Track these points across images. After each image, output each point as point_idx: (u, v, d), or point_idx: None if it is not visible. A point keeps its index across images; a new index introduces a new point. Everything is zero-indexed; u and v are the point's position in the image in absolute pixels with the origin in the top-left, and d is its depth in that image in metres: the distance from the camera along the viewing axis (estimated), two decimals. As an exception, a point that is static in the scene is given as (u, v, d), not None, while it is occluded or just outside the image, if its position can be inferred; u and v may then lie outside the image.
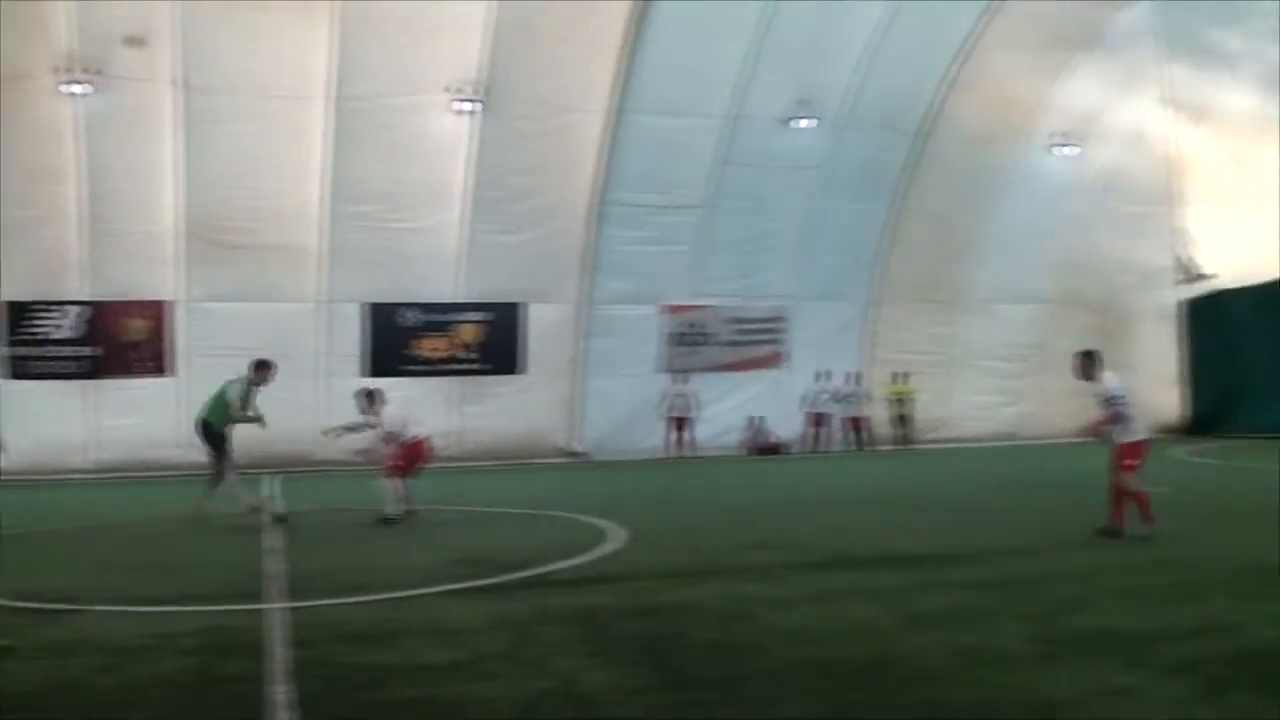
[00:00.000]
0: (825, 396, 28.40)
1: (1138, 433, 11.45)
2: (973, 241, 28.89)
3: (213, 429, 15.07)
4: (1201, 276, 31.07)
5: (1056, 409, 31.24)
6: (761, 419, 28.26)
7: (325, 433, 15.81)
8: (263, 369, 15.43)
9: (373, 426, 14.90)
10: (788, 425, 28.56)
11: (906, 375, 28.67)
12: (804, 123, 25.73)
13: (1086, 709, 5.60)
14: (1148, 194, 29.84)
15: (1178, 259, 31.22)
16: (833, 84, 25.57)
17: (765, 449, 27.87)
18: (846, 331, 28.73)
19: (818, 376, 28.19)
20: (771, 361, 28.45)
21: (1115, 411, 11.22)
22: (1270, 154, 27.26)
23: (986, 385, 30.65)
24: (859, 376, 28.63)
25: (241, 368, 15.62)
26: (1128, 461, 11.29)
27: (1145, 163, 29.24)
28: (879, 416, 29.26)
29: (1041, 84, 27.34)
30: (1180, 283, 31.54)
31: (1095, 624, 7.51)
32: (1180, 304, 31.69)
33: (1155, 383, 32.70)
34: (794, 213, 27.02)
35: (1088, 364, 11.68)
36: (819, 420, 28.52)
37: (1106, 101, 27.89)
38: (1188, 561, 10.03)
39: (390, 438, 14.63)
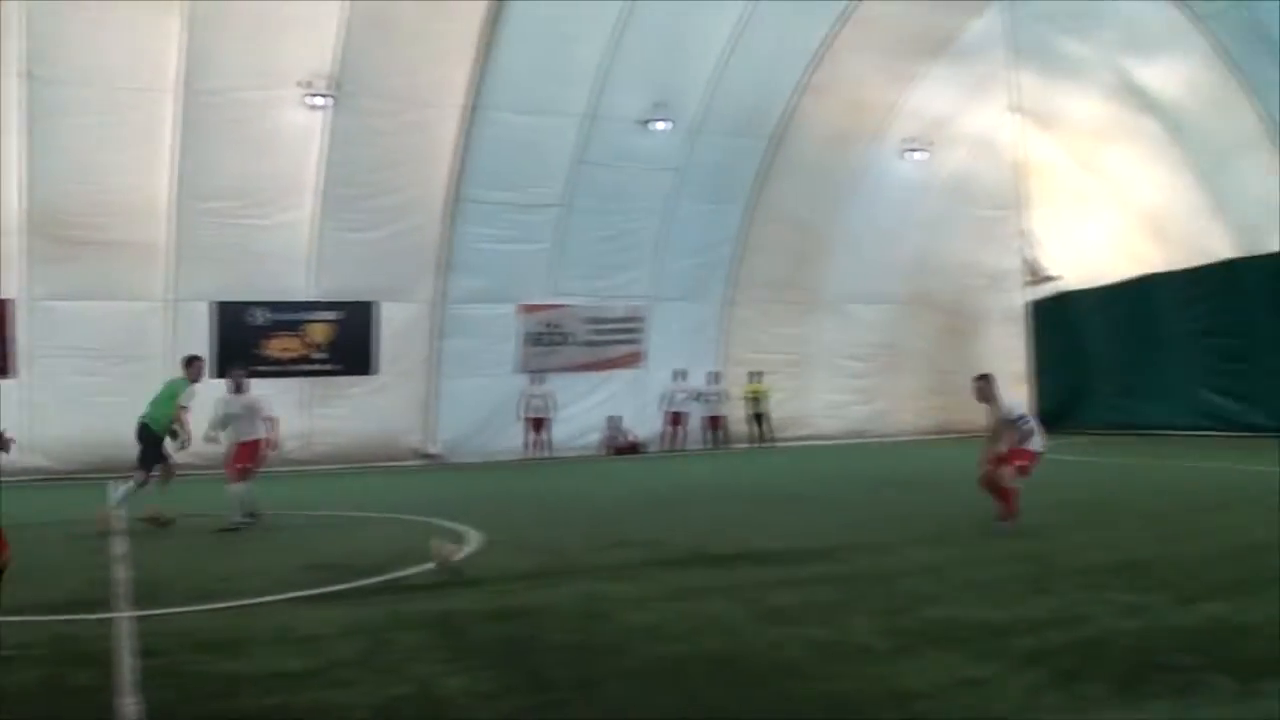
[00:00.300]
0: (683, 396, 28.60)
1: (1037, 444, 11.87)
2: (826, 243, 29.49)
3: (151, 430, 14.50)
4: (1047, 278, 32.10)
5: (907, 407, 32.07)
6: (620, 419, 28.24)
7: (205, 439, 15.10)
8: (195, 364, 14.74)
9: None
10: (646, 425, 28.70)
11: (761, 375, 28.99)
12: (661, 125, 25.79)
13: (940, 700, 5.68)
14: (996, 198, 30.79)
15: (1025, 261, 32.22)
16: (689, 87, 25.83)
17: (624, 449, 27.89)
18: (703, 331, 29.01)
19: (675, 376, 28.40)
20: (629, 361, 28.51)
21: (1020, 433, 11.50)
22: (1114, 160, 28.23)
23: (839, 384, 31.30)
24: (717, 376, 28.90)
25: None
26: (1019, 462, 11.72)
27: (994, 168, 30.14)
28: (736, 415, 29.55)
29: (894, 89, 27.98)
30: (1028, 284, 32.61)
31: (948, 616, 7.65)
32: (1028, 305, 32.64)
33: (1004, 381, 33.36)
34: (651, 214, 27.18)
35: (985, 387, 12.20)
36: (677, 419, 28.72)
37: (957, 107, 28.66)
38: (1038, 554, 10.28)
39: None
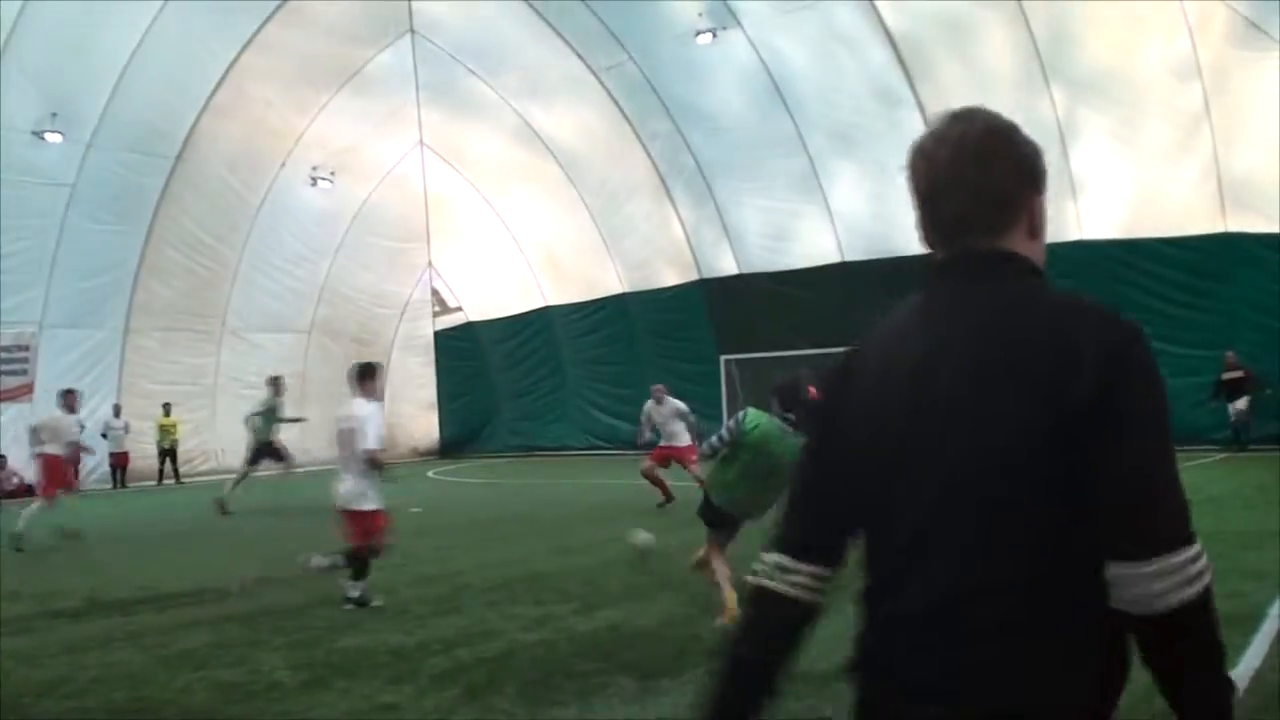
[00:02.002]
0: (122, 432, 26.10)
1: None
2: (231, 269, 28.63)
3: None
4: (453, 309, 32.98)
5: (315, 437, 31.40)
6: (3, 459, 25.33)
7: None
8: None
9: None
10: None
11: (169, 407, 27.10)
12: (54, 137, 23.58)
13: (348, 728, 6.05)
14: (404, 229, 31.68)
15: (433, 292, 32.94)
16: (87, 100, 24.05)
17: (12, 492, 24.82)
18: (101, 361, 26.84)
19: (118, 411, 26.23)
20: (18, 394, 25.65)
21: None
22: (516, 197, 29.74)
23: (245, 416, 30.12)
24: (118, 409, 26.65)
25: None
26: (694, 457, 13.32)
27: (402, 199, 30.97)
28: (145, 450, 27.36)
29: (301, 117, 28.19)
30: (436, 315, 33.25)
31: (360, 644, 7.89)
32: (435, 335, 33.29)
33: (416, 409, 34.11)
34: (43, 232, 24.76)
35: (659, 392, 13.90)
36: (123, 459, 26.19)
37: (366, 138, 29.34)
38: (446, 575, 10.44)
39: None
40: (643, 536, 10.45)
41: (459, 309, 33.91)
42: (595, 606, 8.68)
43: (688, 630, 7.67)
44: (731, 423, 8.16)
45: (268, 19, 25.39)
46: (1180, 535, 1.63)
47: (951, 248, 1.90)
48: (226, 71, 26.08)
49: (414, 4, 26.83)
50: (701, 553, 8.40)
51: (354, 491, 9.22)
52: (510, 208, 31.11)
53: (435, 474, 26.82)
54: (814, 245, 26.19)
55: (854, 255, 25.49)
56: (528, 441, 30.94)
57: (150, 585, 10.77)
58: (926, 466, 1.77)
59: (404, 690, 6.48)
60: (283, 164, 28.87)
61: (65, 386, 18.35)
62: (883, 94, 23.42)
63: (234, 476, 19.32)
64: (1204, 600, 1.63)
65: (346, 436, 9.22)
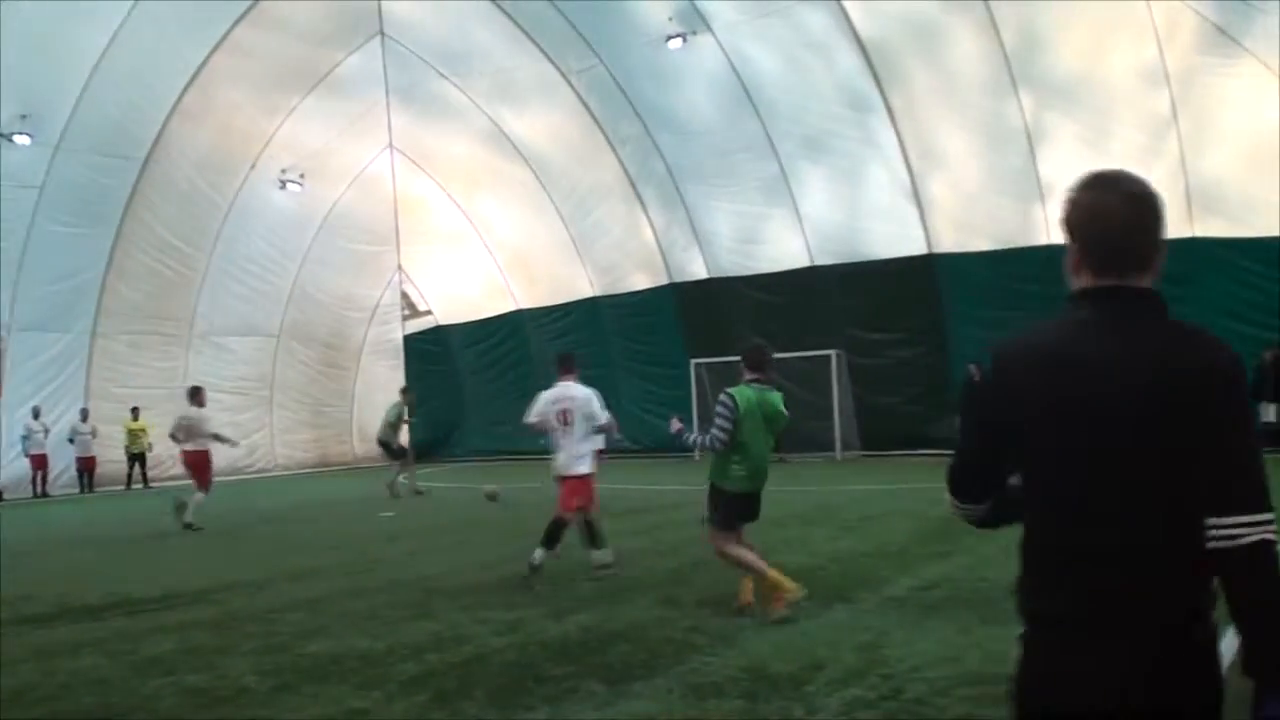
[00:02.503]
0: (42, 435, 25.76)
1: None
2: (200, 272, 28.46)
3: None
4: (423, 313, 32.94)
5: (283, 440, 31.39)
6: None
7: None
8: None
9: None
10: (8, 469, 25.59)
11: (137, 411, 26.84)
12: (21, 139, 23.41)
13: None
14: (374, 233, 31.64)
15: (403, 295, 32.89)
16: (55, 101, 23.78)
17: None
18: (69, 364, 26.58)
19: (37, 414, 25.59)
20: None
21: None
22: (486, 201, 29.70)
23: (215, 420, 29.81)
24: (86, 413, 26.40)
25: None
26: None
27: (372, 203, 30.85)
28: (114, 455, 27.10)
29: (270, 119, 28.17)
30: (406, 318, 33.20)
31: (330, 650, 7.86)
32: (405, 338, 33.23)
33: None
34: (10, 235, 24.64)
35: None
36: (41, 461, 25.79)
37: (335, 141, 29.06)
38: (417, 580, 10.40)
39: None
40: (489, 488, 12.46)
41: (429, 312, 33.85)
42: (566, 610, 8.67)
43: (659, 633, 7.69)
44: (724, 409, 8.32)
45: (237, 21, 25.32)
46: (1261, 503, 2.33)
47: (1106, 279, 2.50)
48: (195, 74, 25.98)
49: (384, 7, 26.81)
50: (743, 577, 8.51)
51: (572, 457, 10.57)
52: (480, 211, 31.12)
53: (405, 479, 26.72)
54: (783, 249, 26.30)
55: (823, 259, 25.65)
56: (497, 445, 30.88)
57: (118, 591, 10.69)
58: (1130, 455, 2.38)
59: (373, 696, 6.46)
60: (252, 166, 28.75)
61: (193, 384, 20.79)
62: (852, 99, 23.54)
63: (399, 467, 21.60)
64: (1268, 547, 2.29)
65: (565, 414, 10.59)
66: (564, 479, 10.63)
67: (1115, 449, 2.37)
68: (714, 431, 8.35)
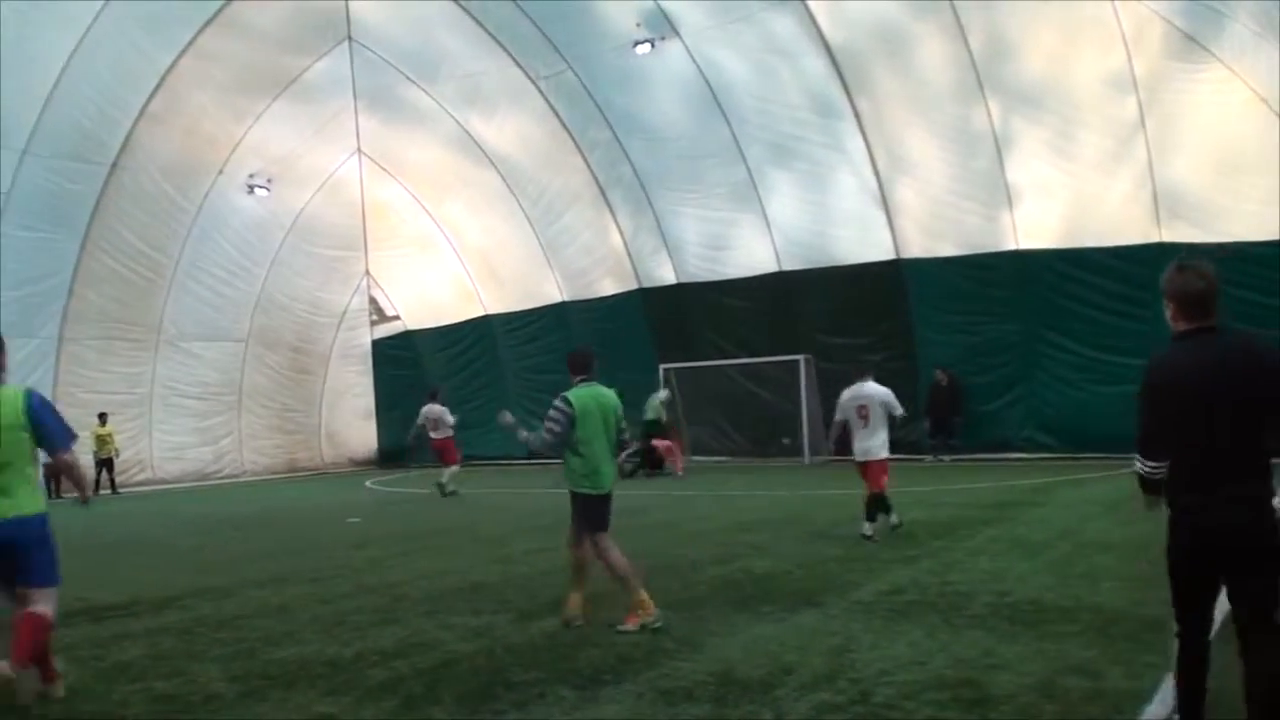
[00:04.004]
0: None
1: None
2: (167, 278, 28.29)
3: None
4: (390, 318, 32.89)
5: (251, 446, 31.25)
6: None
7: None
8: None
9: None
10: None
11: (105, 417, 26.63)
12: (-16, 144, 23.28)
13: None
14: (342, 238, 31.66)
15: (371, 300, 32.82)
16: (21, 105, 23.62)
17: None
18: (34, 370, 26.25)
19: None
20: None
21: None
22: (454, 206, 29.68)
23: (180, 425, 30.12)
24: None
25: None
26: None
27: (339, 208, 30.85)
28: (82, 461, 26.69)
29: (238, 124, 28.05)
30: (374, 323, 33.14)
31: (297, 655, 7.84)
32: (373, 344, 33.16)
33: (353, 418, 33.93)
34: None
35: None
36: None
37: (302, 146, 29.08)
38: (385, 586, 10.42)
39: None
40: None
41: (397, 318, 33.74)
42: (533, 616, 8.65)
43: (626, 639, 7.66)
44: (557, 411, 8.33)
45: (204, 26, 25.18)
46: None
47: (1194, 323, 4.68)
48: (162, 78, 25.83)
49: (351, 11, 26.71)
50: (573, 571, 8.52)
51: (876, 444, 12.67)
52: (449, 216, 31.08)
53: (373, 484, 26.71)
54: (752, 255, 26.33)
55: (791, 265, 25.69)
56: (467, 450, 30.71)
57: (85, 597, 10.47)
58: (1219, 413, 4.53)
59: (342, 701, 6.43)
60: (220, 171, 28.61)
61: (434, 387, 25.69)
62: (821, 105, 23.62)
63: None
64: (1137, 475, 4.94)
65: (863, 409, 12.67)
66: (869, 464, 12.67)
67: (1207, 407, 4.57)
68: (545, 429, 8.38)
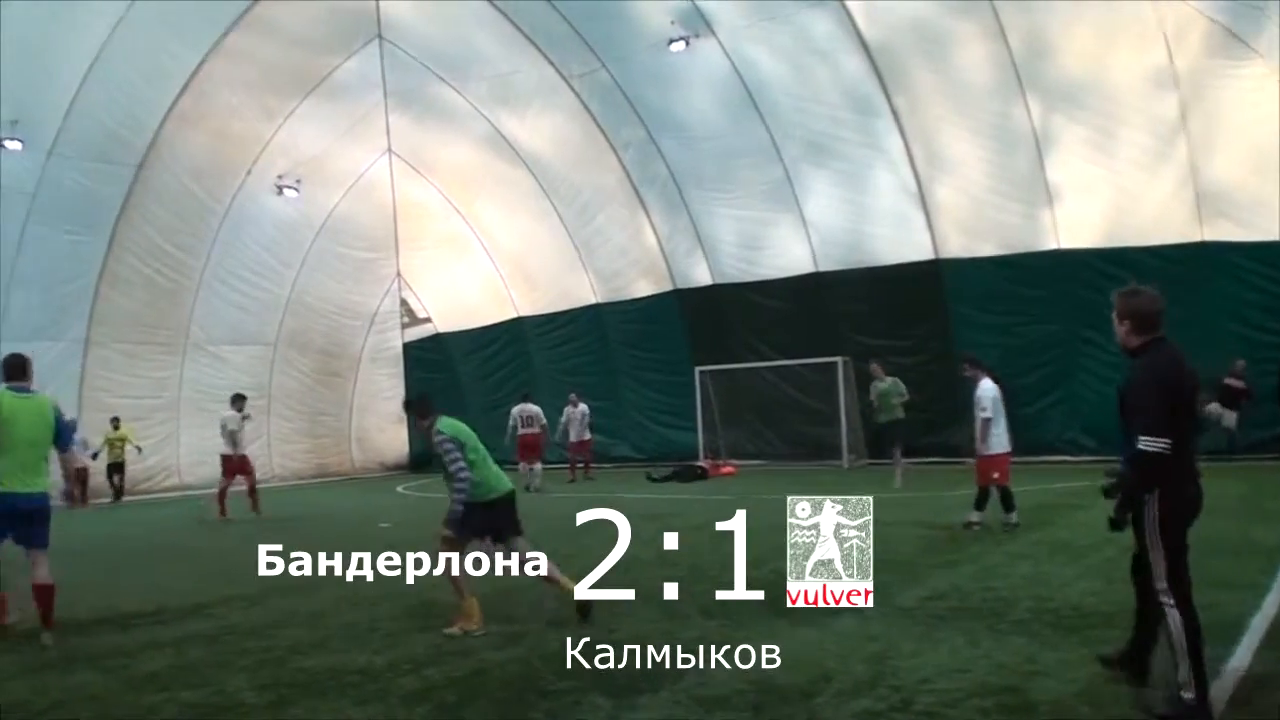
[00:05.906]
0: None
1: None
2: (195, 280, 28.57)
3: None
4: (422, 320, 32.93)
5: (281, 450, 31.35)
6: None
7: None
8: None
9: None
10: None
11: (118, 421, 26.65)
12: (12, 144, 23.42)
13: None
14: (372, 239, 31.64)
15: (402, 303, 32.89)
16: (48, 105, 23.83)
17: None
18: (61, 373, 26.42)
19: None
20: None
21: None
22: (486, 207, 29.72)
23: (211, 430, 29.80)
24: (75, 424, 26.19)
25: None
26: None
27: (370, 209, 30.93)
28: (100, 466, 26.95)
29: (266, 124, 28.20)
30: (405, 326, 33.20)
31: (328, 664, 7.89)
32: (404, 346, 33.20)
33: (384, 422, 34.01)
34: (2, 242, 24.43)
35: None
36: None
37: (332, 146, 29.09)
38: (417, 592, 10.27)
39: None
40: None
41: (428, 320, 33.81)
42: (568, 622, 8.63)
43: (663, 645, 7.64)
44: (447, 445, 8.77)
45: (232, 25, 25.36)
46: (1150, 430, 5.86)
47: (1152, 335, 6.22)
48: (190, 78, 25.95)
49: (382, 10, 26.84)
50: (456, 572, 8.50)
51: (1001, 441, 13.67)
52: (481, 217, 31.12)
53: (404, 489, 26.72)
54: (788, 255, 26.28)
55: (828, 265, 25.63)
56: (500, 455, 30.85)
57: (110, 605, 10.56)
58: (1191, 401, 6.16)
59: (372, 710, 6.45)
60: (248, 172, 28.71)
61: (524, 389, 26.21)
62: (858, 103, 23.58)
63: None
64: (1146, 456, 5.85)
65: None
66: (994, 457, 13.58)
67: (1189, 398, 6.10)
68: (454, 467, 8.70)
